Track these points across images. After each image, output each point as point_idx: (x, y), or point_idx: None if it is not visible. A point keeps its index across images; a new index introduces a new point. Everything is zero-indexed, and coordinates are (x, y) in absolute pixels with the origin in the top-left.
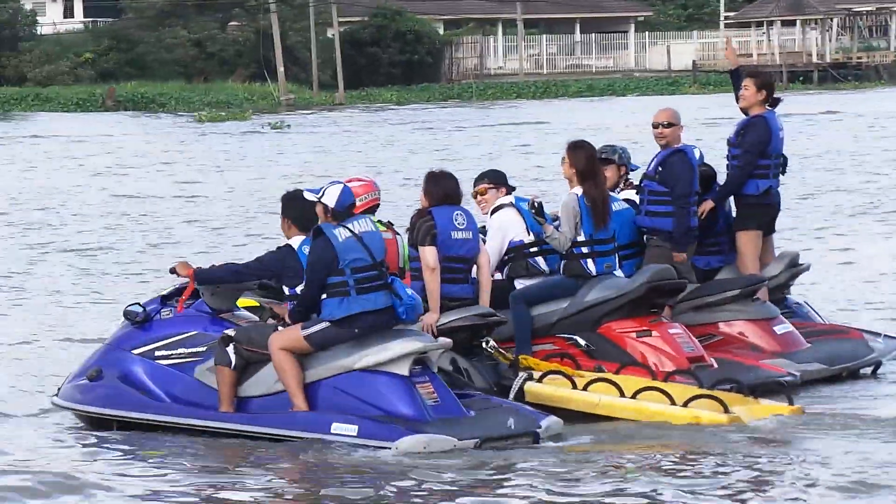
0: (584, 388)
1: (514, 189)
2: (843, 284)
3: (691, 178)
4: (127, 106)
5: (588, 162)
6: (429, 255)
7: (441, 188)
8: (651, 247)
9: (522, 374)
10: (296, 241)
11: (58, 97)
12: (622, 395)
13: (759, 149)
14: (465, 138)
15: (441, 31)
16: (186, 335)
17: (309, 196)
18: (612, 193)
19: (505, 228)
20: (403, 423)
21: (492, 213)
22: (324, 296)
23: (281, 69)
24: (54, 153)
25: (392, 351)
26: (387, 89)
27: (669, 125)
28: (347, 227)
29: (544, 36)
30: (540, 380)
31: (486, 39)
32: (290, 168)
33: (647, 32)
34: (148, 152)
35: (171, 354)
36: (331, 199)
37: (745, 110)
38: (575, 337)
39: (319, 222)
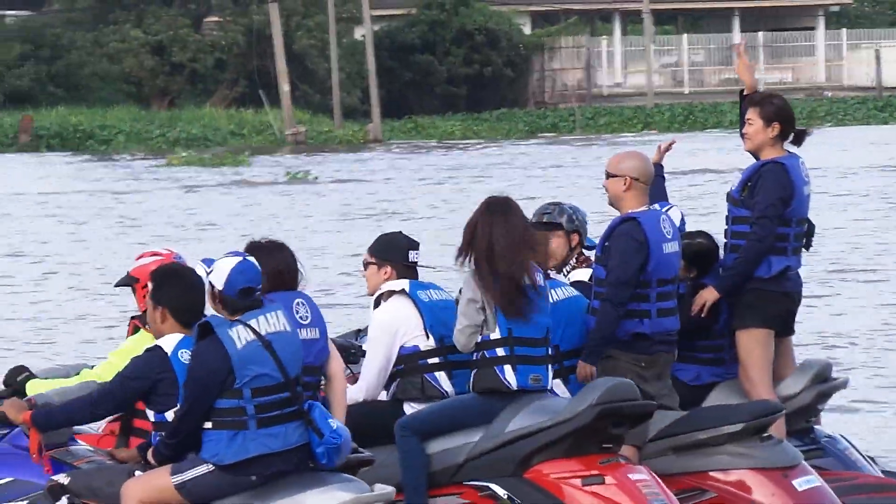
0: None
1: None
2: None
3: (635, 261)
4: (51, 143)
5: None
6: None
7: (277, 264)
8: (604, 358)
9: None
10: (169, 341)
11: None
12: None
13: (777, 210)
14: (568, 192)
15: (528, 31)
16: None
17: (200, 269)
18: (556, 275)
19: (392, 328)
20: None
21: (374, 304)
22: (208, 425)
23: (285, 87)
24: None
25: None
26: (445, 118)
27: (608, 176)
28: (249, 327)
29: (685, 37)
30: None
31: (595, 42)
32: (348, 246)
33: (843, 30)
34: (88, 217)
35: None
36: (218, 278)
37: (753, 154)
38: (491, 485)
39: (209, 313)
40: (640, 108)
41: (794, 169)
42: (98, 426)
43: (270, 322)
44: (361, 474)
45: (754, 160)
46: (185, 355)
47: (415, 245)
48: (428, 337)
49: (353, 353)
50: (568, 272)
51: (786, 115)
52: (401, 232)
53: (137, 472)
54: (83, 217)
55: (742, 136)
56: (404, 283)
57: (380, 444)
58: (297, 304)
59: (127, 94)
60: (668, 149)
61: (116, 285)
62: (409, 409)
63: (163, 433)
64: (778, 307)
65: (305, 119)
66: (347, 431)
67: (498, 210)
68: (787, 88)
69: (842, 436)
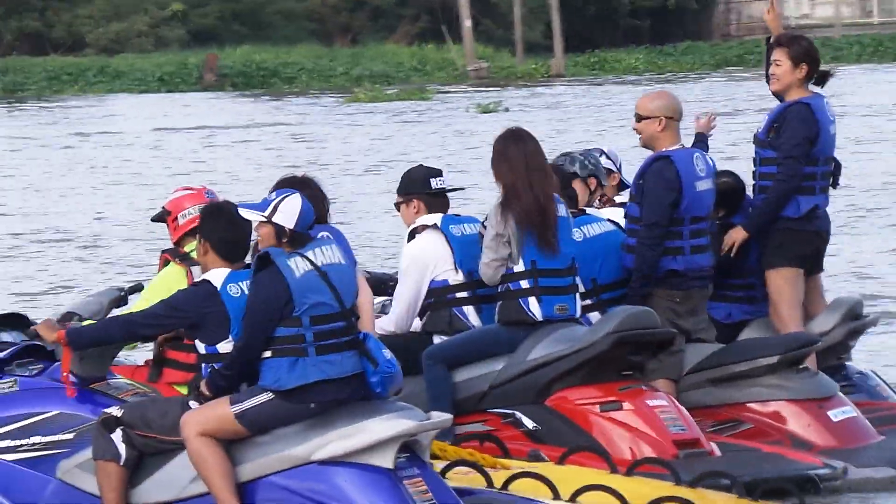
0: (504, 487)
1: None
2: None
3: (666, 199)
4: (235, 82)
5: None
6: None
7: None
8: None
9: None
10: (216, 275)
11: (132, 71)
12: (556, 497)
13: (804, 149)
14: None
15: None
16: (41, 417)
17: (248, 214)
18: (590, 210)
19: (423, 262)
20: None
21: (408, 238)
22: (267, 354)
23: (467, 23)
24: (131, 163)
25: (371, 433)
26: (629, 52)
27: (640, 119)
28: (307, 258)
29: None
30: (442, 474)
31: None
32: None
33: None
34: (287, 159)
35: (19, 446)
36: (288, 216)
37: (779, 95)
38: (515, 412)
39: (261, 247)
40: (828, 40)
41: (820, 109)
42: (135, 357)
43: (326, 254)
44: None
45: (778, 102)
46: (233, 289)
47: (435, 173)
48: (457, 271)
49: (391, 285)
50: (597, 209)
51: (813, 56)
52: (420, 164)
53: (193, 404)
54: (284, 155)
55: (768, 78)
56: (437, 218)
57: (409, 374)
58: (323, 237)
59: (310, 32)
60: (710, 124)
61: (153, 220)
62: (438, 341)
63: (215, 365)
64: (807, 246)
65: (487, 54)
66: (398, 365)
67: (512, 140)
68: None
69: (873, 372)
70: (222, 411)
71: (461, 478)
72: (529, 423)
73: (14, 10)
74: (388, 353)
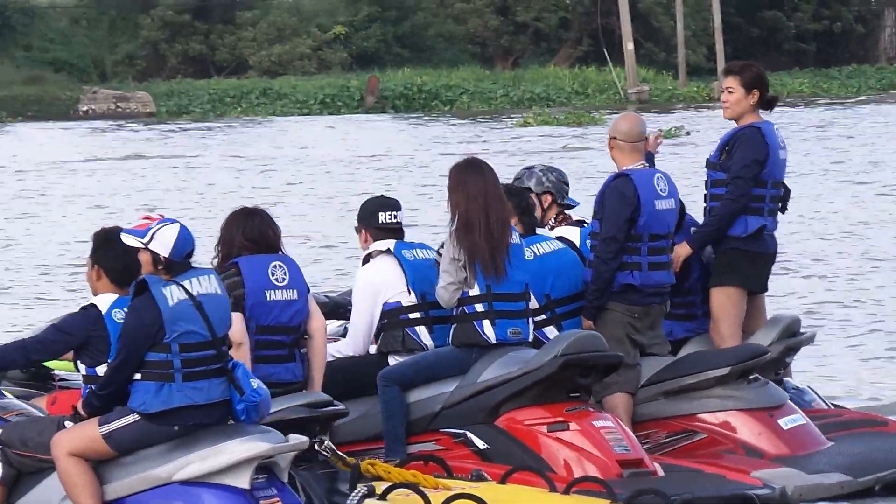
0: None
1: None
2: (869, 361)
3: (622, 214)
4: (396, 104)
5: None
6: (234, 324)
7: (251, 229)
8: (601, 310)
9: (360, 489)
10: (103, 300)
11: (294, 93)
12: None
13: (752, 171)
14: None
15: None
16: None
17: (129, 240)
18: (541, 230)
19: (375, 286)
20: None
21: (363, 263)
22: (137, 376)
23: (630, 46)
24: (295, 184)
25: (228, 455)
26: (793, 74)
27: (610, 139)
28: (182, 287)
29: None
30: (384, 495)
31: None
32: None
33: None
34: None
35: None
36: (163, 244)
37: (731, 121)
38: (466, 432)
39: (142, 273)
40: None
41: (770, 133)
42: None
43: (203, 284)
44: (344, 425)
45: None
46: (118, 314)
47: (388, 206)
48: (410, 293)
49: (349, 309)
50: (550, 230)
51: (764, 82)
52: (381, 195)
53: (67, 423)
54: None
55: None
56: (390, 243)
57: (365, 395)
58: (274, 266)
59: (471, 55)
60: (656, 142)
61: None
62: (393, 361)
63: (93, 386)
64: (752, 266)
65: (649, 77)
66: (268, 392)
67: (471, 170)
68: None
69: (810, 387)
70: (91, 432)
71: (402, 499)
72: (480, 443)
73: (179, 34)
74: (255, 383)
